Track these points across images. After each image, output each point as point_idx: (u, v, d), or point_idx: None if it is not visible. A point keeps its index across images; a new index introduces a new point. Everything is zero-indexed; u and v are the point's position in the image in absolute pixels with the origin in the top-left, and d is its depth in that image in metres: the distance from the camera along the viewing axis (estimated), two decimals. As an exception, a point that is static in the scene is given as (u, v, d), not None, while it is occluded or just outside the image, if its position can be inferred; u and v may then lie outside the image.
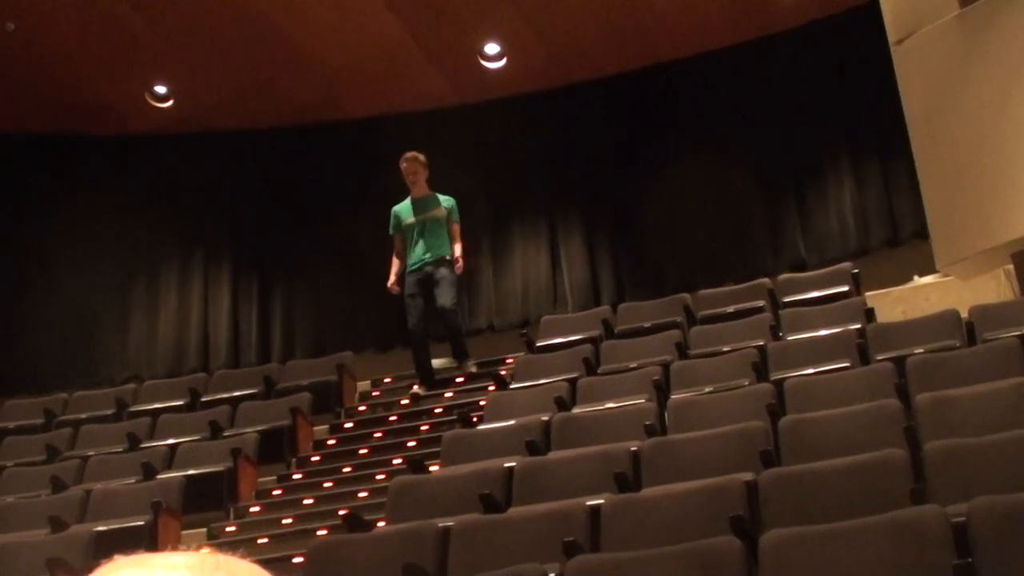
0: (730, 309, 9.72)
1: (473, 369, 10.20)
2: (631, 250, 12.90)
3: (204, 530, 7.98)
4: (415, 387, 10.07)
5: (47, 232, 13.46)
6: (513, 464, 6.75)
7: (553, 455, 6.98)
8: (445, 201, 10.07)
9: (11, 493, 8.64)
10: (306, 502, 8.18)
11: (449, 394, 9.94)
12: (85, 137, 13.72)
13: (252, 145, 13.75)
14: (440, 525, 5.88)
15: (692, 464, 6.34)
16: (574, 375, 8.67)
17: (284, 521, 7.94)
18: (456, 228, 10.03)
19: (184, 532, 7.90)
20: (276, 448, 9.05)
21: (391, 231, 10.12)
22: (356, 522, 6.51)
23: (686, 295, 10.37)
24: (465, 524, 5.89)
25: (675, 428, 7.24)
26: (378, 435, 9.27)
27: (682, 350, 8.84)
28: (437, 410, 9.52)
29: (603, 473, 6.31)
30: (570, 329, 10.12)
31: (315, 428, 9.59)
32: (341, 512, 7.21)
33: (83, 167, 13.64)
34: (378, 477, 8.31)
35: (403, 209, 10.08)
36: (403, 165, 10.10)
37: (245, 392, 10.17)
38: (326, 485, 8.46)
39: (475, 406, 8.89)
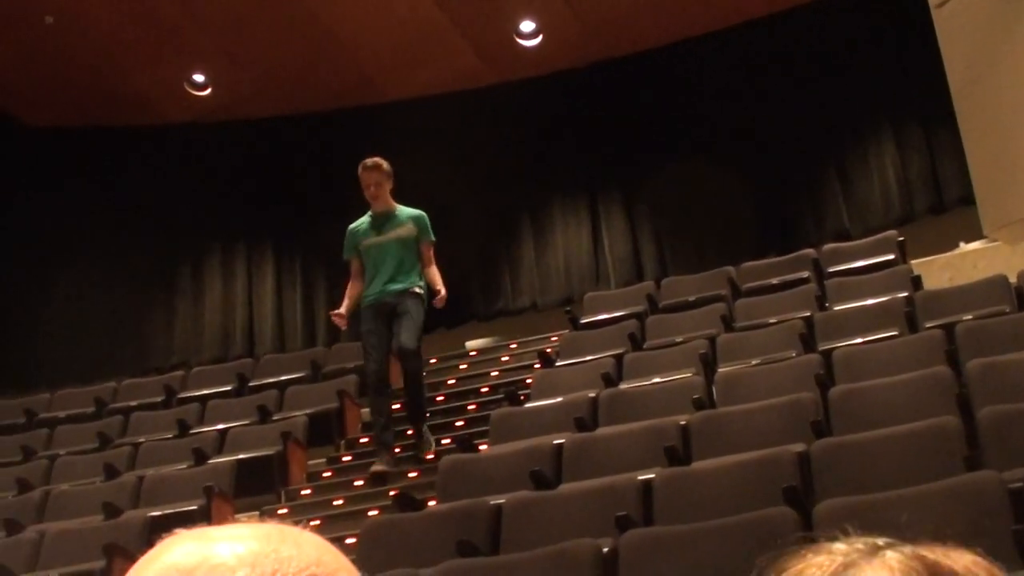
0: (774, 281, 9.67)
1: (430, 456, 8.16)
2: (672, 224, 12.85)
3: (256, 513, 8.02)
4: (375, 464, 8.09)
5: (90, 224, 13.57)
6: (562, 441, 6.75)
7: (602, 431, 6.98)
8: (413, 217, 8.21)
9: (65, 481, 8.73)
10: (356, 483, 8.20)
11: (495, 373, 9.96)
12: (125, 128, 13.80)
13: (291, 131, 13.81)
14: (492, 503, 5.89)
15: (742, 436, 6.32)
16: (620, 351, 8.65)
17: (335, 502, 7.97)
18: (429, 250, 8.19)
19: (237, 516, 7.95)
20: (325, 431, 9.09)
21: (345, 254, 8.34)
22: (407, 502, 6.53)
23: (730, 268, 10.31)
24: (516, 501, 5.91)
25: (723, 401, 7.22)
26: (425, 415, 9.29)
27: (728, 323, 8.81)
28: (483, 389, 9.53)
29: (653, 448, 6.31)
30: (614, 305, 10.10)
31: (362, 410, 9.62)
32: (392, 492, 7.24)
33: (124, 158, 13.74)
34: (427, 457, 8.33)
35: (361, 228, 8.25)
36: (362, 174, 8.16)
37: (292, 376, 10.21)
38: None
39: (522, 384, 8.90)
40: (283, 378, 10.18)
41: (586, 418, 7.20)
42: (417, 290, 8.08)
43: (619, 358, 8.46)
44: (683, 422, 6.65)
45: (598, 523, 5.40)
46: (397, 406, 8.51)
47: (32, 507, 8.19)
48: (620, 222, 13.03)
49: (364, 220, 8.28)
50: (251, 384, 10.31)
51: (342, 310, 8.14)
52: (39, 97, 13.54)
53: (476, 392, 9.54)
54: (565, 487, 6.17)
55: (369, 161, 8.17)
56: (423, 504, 6.64)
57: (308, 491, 8.35)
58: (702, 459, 6.19)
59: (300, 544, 0.91)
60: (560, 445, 6.70)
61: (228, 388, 10.30)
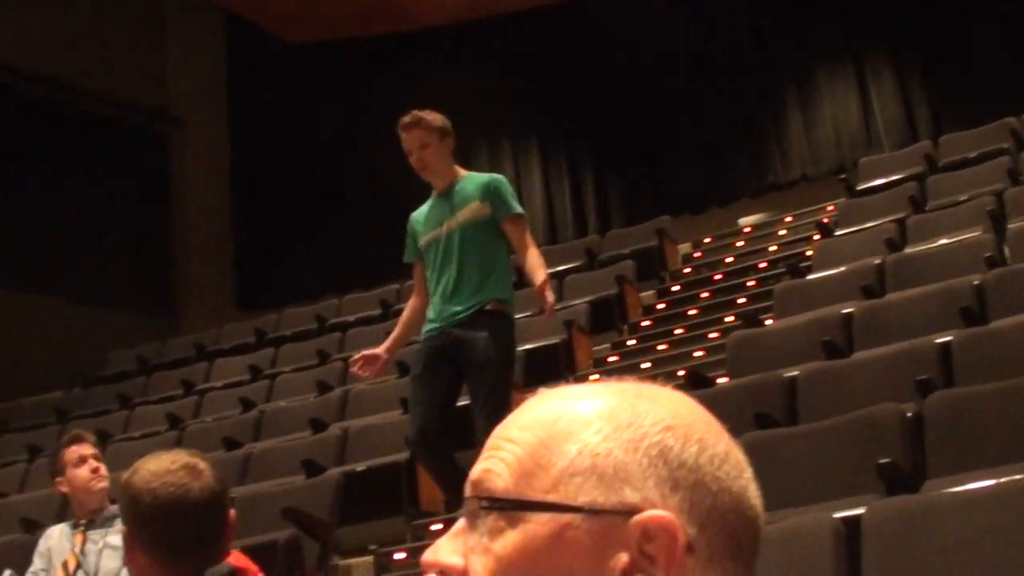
0: (1063, 128, 9.21)
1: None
2: (947, 79, 12.28)
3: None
4: None
5: (353, 137, 13.97)
6: (851, 309, 6.63)
7: (891, 296, 6.82)
8: (482, 186, 5.47)
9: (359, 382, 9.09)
10: (644, 366, 8.27)
11: (772, 247, 9.85)
12: (381, 37, 14.11)
13: (545, 23, 13.80)
14: (785, 375, 5.85)
15: (1043, 293, 6.08)
16: (901, 215, 8.43)
17: (625, 386, 8.05)
18: (518, 227, 5.45)
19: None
20: (606, 317, 9.18)
21: (407, 256, 5.66)
22: (699, 379, 6.54)
23: (1011, 119, 9.83)
24: (810, 372, 5.84)
25: (1017, 258, 6.96)
26: (705, 295, 9.30)
27: (1015, 176, 8.45)
28: (762, 264, 9.45)
29: (946, 310, 6.13)
30: (890, 169, 9.81)
31: (642, 294, 9.68)
32: (681, 372, 7.27)
33: (380, 68, 14.06)
34: (711, 335, 8.33)
35: (419, 218, 5.62)
36: (403, 136, 5.48)
37: (569, 266, 10.33)
38: (660, 348, 8.54)
39: (802, 256, 8.77)
40: (560, 268, 10.29)
41: (873, 285, 7.06)
42: (493, 306, 5.34)
43: (901, 222, 8.24)
44: (976, 282, 6.43)
45: (896, 389, 5.28)
46: None
47: (333, 406, 8.58)
48: (888, 82, 12.56)
49: (425, 205, 5.66)
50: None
51: (378, 349, 5.56)
52: (293, 13, 13.94)
53: (755, 268, 9.46)
54: (858, 355, 6.07)
55: (406, 117, 5.50)
56: (713, 381, 6.65)
57: (596, 376, 8.46)
58: (999, 319, 5.99)
59: (656, 399, 0.97)
60: (849, 314, 6.58)
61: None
